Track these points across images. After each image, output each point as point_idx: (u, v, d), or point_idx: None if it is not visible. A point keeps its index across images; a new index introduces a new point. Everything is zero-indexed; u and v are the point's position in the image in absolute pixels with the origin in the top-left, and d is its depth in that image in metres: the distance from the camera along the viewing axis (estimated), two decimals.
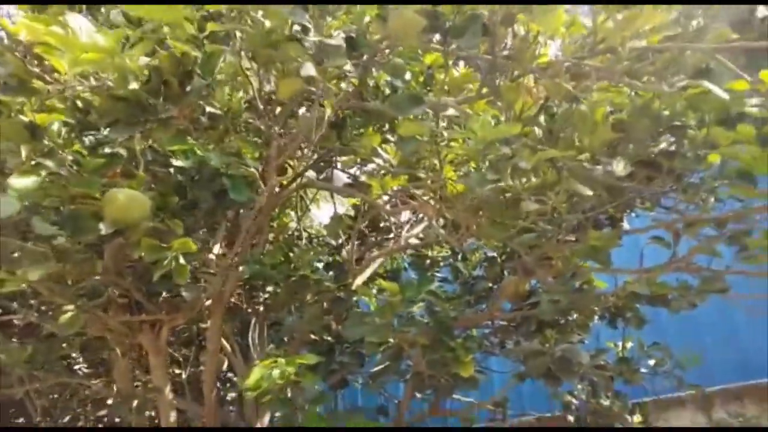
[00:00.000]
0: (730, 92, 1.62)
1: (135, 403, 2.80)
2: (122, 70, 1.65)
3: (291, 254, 3.56)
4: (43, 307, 2.64)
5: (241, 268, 2.90)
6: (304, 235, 4.19)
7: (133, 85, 1.69)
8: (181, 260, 1.95)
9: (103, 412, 4.37)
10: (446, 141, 1.81)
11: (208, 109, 1.82)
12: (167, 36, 1.66)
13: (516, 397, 4.25)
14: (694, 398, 4.09)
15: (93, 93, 1.71)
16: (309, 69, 1.56)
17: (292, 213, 4.17)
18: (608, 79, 1.76)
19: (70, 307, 2.25)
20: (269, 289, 3.67)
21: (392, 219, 3.60)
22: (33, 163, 1.78)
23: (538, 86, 1.80)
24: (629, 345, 3.31)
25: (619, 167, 1.84)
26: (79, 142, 1.95)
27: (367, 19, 2.15)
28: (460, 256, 3.86)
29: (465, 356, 2.33)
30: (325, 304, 3.22)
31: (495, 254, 3.54)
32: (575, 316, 3.01)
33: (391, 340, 2.27)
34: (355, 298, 3.10)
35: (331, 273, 3.21)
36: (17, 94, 1.91)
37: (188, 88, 1.69)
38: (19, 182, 1.73)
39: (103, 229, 1.89)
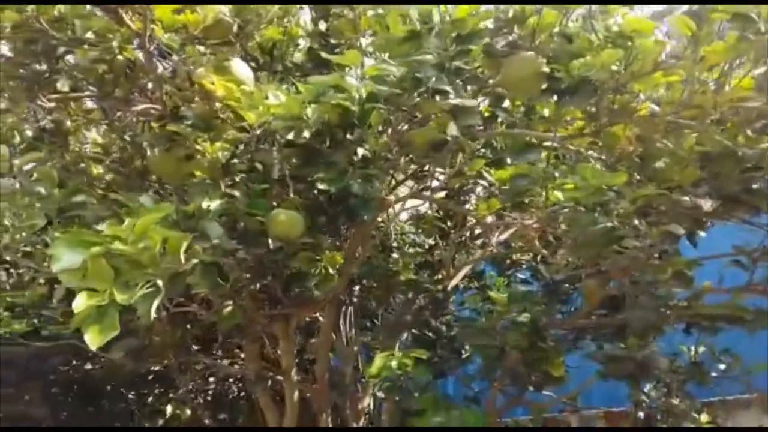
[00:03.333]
0: None
1: (269, 382, 3.31)
2: (300, 123, 2.08)
3: (390, 257, 4.00)
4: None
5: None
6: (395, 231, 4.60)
7: (306, 135, 2.13)
8: (331, 270, 2.40)
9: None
10: (554, 181, 2.16)
11: (361, 151, 2.23)
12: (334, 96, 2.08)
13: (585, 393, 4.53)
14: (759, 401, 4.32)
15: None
16: (453, 129, 1.94)
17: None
18: (698, 129, 2.07)
19: (229, 302, 2.74)
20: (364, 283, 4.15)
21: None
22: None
23: (634, 134, 2.14)
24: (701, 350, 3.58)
25: (707, 205, 2.16)
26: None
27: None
28: (539, 259, 4.20)
29: (556, 357, 2.70)
30: (420, 300, 3.66)
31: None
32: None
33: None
34: (452, 299, 3.50)
35: (427, 274, 3.63)
36: (203, 131, 2.39)
37: (349, 137, 2.11)
38: (215, 206, 2.19)
39: (271, 243, 2.36)
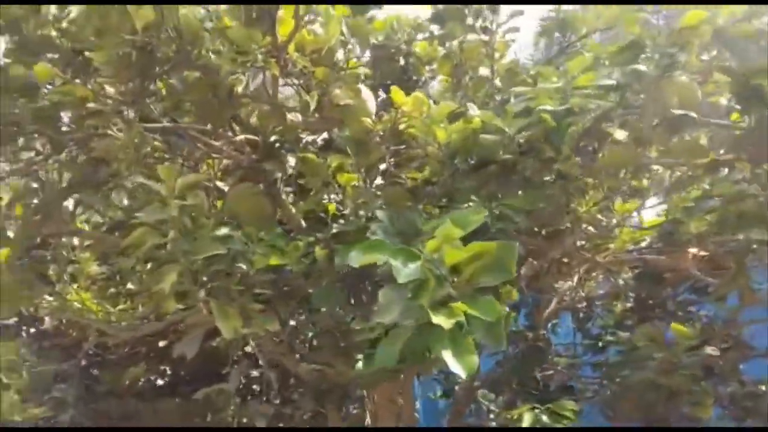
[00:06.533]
0: None
1: None
2: (500, 139, 1.88)
3: None
4: None
5: None
6: None
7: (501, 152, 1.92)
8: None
9: None
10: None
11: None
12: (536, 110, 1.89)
13: None
14: None
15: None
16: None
17: None
18: None
19: None
20: None
21: None
22: None
23: None
24: None
25: None
26: None
27: None
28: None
29: (708, 398, 2.54)
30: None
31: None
32: None
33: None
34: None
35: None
36: (358, 156, 2.13)
37: (551, 155, 1.92)
38: None
39: None
